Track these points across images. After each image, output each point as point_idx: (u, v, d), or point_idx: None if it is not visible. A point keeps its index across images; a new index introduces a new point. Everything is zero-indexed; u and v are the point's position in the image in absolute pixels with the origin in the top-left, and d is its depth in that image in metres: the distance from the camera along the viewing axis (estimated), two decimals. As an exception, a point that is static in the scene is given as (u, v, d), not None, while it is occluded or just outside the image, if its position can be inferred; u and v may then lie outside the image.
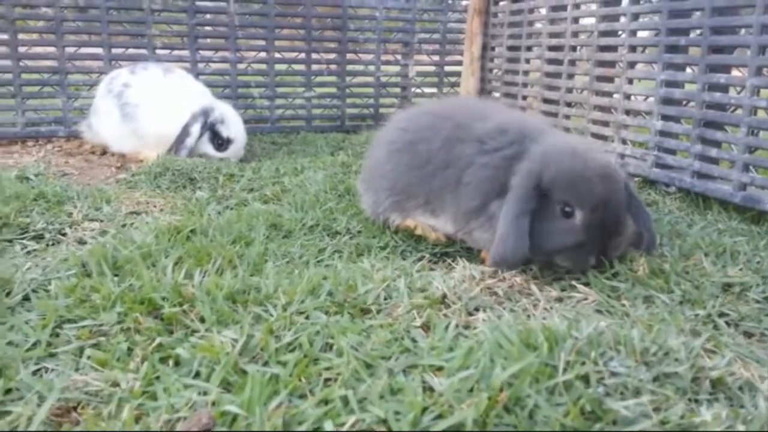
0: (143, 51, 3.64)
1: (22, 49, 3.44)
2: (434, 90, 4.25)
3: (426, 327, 1.16)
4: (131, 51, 3.64)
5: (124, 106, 3.11)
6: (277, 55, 3.92)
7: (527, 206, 1.47)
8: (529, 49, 3.50)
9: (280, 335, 1.04)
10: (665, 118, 2.51)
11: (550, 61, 3.28)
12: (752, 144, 2.11)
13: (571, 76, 3.12)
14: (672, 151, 2.51)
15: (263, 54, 3.90)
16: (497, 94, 3.85)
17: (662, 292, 1.37)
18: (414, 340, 1.07)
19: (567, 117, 3.14)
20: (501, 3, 3.80)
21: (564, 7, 3.16)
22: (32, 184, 2.48)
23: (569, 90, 3.13)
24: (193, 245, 1.53)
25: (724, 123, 2.25)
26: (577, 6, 3.07)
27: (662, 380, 0.96)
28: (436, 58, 4.23)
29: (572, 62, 3.12)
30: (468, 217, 1.64)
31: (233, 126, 3.14)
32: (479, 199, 1.60)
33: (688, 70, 2.46)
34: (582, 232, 1.47)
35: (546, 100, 3.31)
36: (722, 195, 2.21)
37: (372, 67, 4.10)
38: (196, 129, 3.04)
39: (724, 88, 2.26)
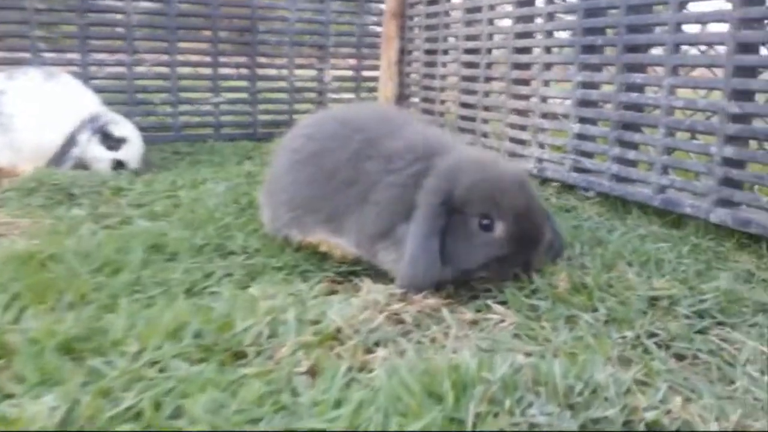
0: (26, 54, 3.26)
1: None
2: (352, 96, 4.07)
3: (314, 371, 0.95)
4: (12, 54, 3.26)
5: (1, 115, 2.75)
6: (180, 57, 3.63)
7: (436, 224, 1.35)
8: (446, 52, 3.38)
9: (118, 397, 0.81)
10: (582, 120, 2.43)
11: (467, 65, 3.17)
12: (670, 145, 2.04)
13: (488, 80, 3.02)
14: (590, 155, 2.43)
15: (165, 57, 3.60)
16: (416, 100, 3.71)
17: (586, 310, 1.23)
18: (295, 393, 0.86)
19: (485, 121, 3.03)
20: (417, 6, 3.67)
21: (479, 9, 3.06)
22: None
23: (486, 94, 3.02)
24: (40, 277, 1.26)
25: (642, 124, 2.18)
26: (492, 7, 2.97)
27: (590, 427, 0.79)
28: (352, 62, 4.06)
29: (489, 65, 3.02)
30: (373, 240, 1.48)
31: (126, 126, 2.88)
32: (386, 220, 1.44)
33: (606, 70, 2.39)
34: (504, 244, 1.35)
35: (464, 105, 3.19)
36: (641, 198, 2.13)
37: (285, 72, 3.87)
38: (83, 138, 2.73)
39: (640, 89, 2.19)
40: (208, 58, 3.68)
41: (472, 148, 1.54)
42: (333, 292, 1.45)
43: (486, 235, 1.35)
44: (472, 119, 3.11)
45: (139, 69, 3.55)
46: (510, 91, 2.82)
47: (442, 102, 3.43)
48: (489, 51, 2.99)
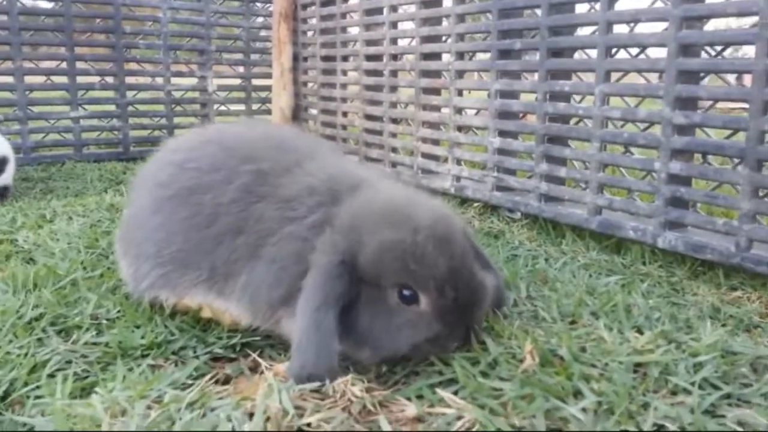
0: None
1: None
2: (242, 107, 3.63)
3: None
4: None
5: None
6: (27, 64, 3.02)
7: (332, 291, 1.01)
8: (345, 59, 3.04)
9: None
10: (503, 134, 2.17)
11: (370, 73, 2.84)
12: (606, 161, 1.82)
13: (394, 89, 2.71)
14: (513, 172, 2.18)
15: (8, 63, 2.98)
16: (314, 111, 3.34)
17: (567, 395, 0.92)
18: None
19: (393, 135, 2.72)
20: (310, 7, 3.30)
21: (380, 10, 2.75)
22: None
23: (393, 105, 2.71)
24: None
25: (572, 137, 1.95)
26: (394, 8, 2.67)
27: None
28: (240, 69, 3.61)
29: (394, 73, 2.71)
30: (273, 306, 1.11)
31: (3, 142, 2.48)
32: (287, 282, 1.07)
33: (526, 78, 2.16)
34: (434, 320, 1.02)
35: (369, 117, 2.86)
36: (576, 221, 1.90)
37: (160, 80, 3.36)
38: None
39: (568, 98, 1.97)
40: (62, 65, 3.10)
41: (384, 188, 1.20)
42: (221, 382, 1.05)
43: (409, 310, 1.02)
44: (379, 133, 2.79)
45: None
46: (419, 101, 2.53)
47: (344, 114, 3.09)
48: (393, 57, 2.69)
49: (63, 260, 1.65)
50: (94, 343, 1.18)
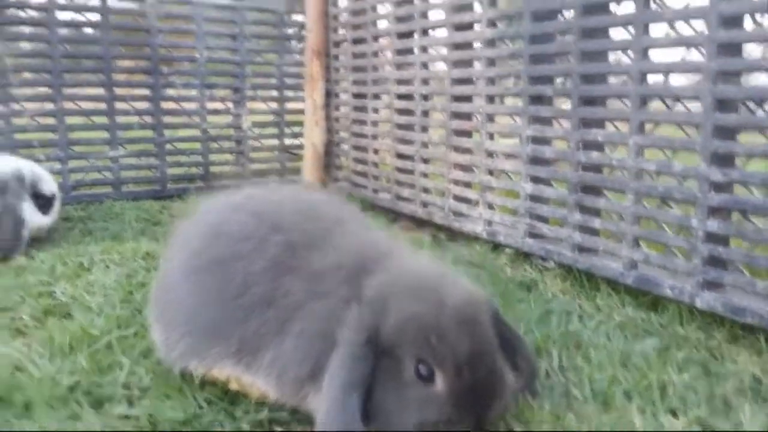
0: None
1: None
2: (275, 141, 3.67)
3: None
4: None
5: None
6: (69, 105, 3.13)
7: (358, 372, 1.01)
8: (376, 96, 3.06)
9: None
10: (535, 180, 2.14)
11: (401, 112, 2.85)
12: (641, 214, 1.78)
13: (425, 129, 2.71)
14: (546, 219, 2.14)
15: (50, 105, 3.09)
16: (346, 147, 3.36)
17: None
18: None
19: (425, 175, 2.72)
20: (342, 44, 3.34)
21: (411, 51, 2.76)
22: None
23: (425, 144, 2.71)
24: None
25: (606, 188, 1.91)
26: (424, 49, 2.67)
27: None
28: (274, 105, 3.67)
29: (426, 113, 2.71)
30: (301, 382, 1.11)
31: (49, 179, 2.54)
32: (313, 359, 1.08)
33: (559, 124, 2.13)
34: (448, 402, 1.00)
35: (400, 155, 2.87)
36: (611, 274, 1.86)
37: (196, 118, 3.43)
38: (27, 208, 2.38)
39: (601, 147, 1.93)
40: (103, 105, 3.20)
41: (413, 262, 1.19)
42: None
43: (423, 388, 1.01)
44: (410, 172, 2.79)
45: (19, 121, 3.04)
46: (450, 143, 2.52)
47: (376, 151, 3.10)
48: (424, 97, 2.69)
49: (99, 315, 1.69)
50: (126, 416, 1.20)
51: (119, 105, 3.23)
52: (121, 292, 1.88)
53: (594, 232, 1.95)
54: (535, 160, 2.13)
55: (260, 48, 3.60)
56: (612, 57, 1.92)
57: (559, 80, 2.10)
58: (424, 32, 2.67)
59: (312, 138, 3.49)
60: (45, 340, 1.52)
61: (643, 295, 1.80)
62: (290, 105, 3.69)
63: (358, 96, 3.22)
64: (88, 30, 3.24)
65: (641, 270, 1.79)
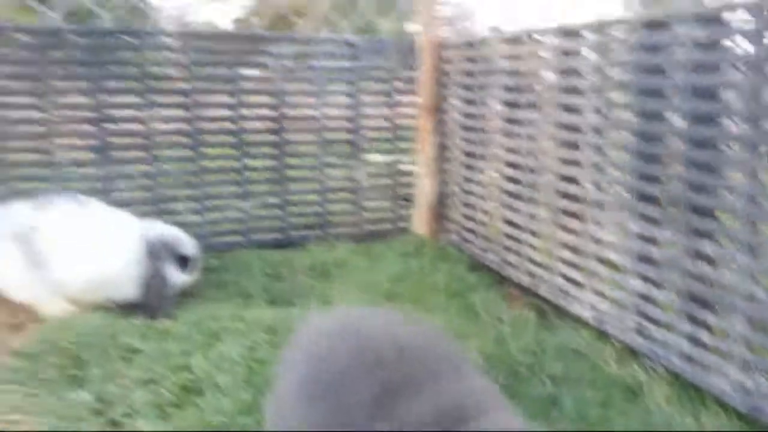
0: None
1: None
2: (388, 192, 3.82)
3: None
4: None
5: (32, 253, 2.59)
6: (205, 163, 3.48)
7: None
8: (485, 158, 3.10)
9: None
10: (644, 278, 2.09)
11: (509, 179, 2.87)
12: (751, 341, 1.69)
13: (533, 201, 2.72)
14: (655, 320, 2.09)
15: (189, 165, 3.46)
16: (456, 202, 3.44)
17: None
18: None
19: (532, 247, 2.73)
20: (452, 101, 3.41)
21: (518, 121, 2.77)
22: None
23: (532, 217, 2.71)
24: None
25: (716, 303, 1.84)
26: (531, 123, 2.67)
27: None
28: (387, 158, 3.82)
29: (533, 186, 2.71)
30: None
31: (189, 241, 2.82)
32: None
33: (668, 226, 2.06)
34: None
35: (508, 222, 2.89)
36: (719, 393, 1.79)
37: (315, 172, 3.67)
38: (171, 270, 2.70)
39: (711, 260, 1.85)
40: (235, 163, 3.52)
41: (508, 422, 1.25)
42: None
43: None
44: (517, 240, 2.81)
45: (164, 180, 3.43)
46: (558, 221, 2.51)
47: (485, 212, 3.14)
48: (531, 170, 2.69)
49: (226, 395, 1.93)
50: None
51: (249, 162, 3.54)
52: (245, 370, 2.11)
53: (703, 344, 1.88)
54: (643, 258, 2.09)
55: (374, 102, 3.75)
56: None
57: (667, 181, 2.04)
58: (532, 106, 2.67)
59: (423, 190, 3.61)
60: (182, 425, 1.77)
61: (753, 421, 1.72)
62: (403, 157, 3.82)
63: (468, 154, 3.28)
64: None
65: (754, 398, 1.71)
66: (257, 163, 3.59)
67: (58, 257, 2.59)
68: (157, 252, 2.68)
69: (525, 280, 2.75)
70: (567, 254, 2.48)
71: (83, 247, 2.63)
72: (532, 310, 2.65)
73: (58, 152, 3.19)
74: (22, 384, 2.07)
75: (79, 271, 2.61)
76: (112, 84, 3.29)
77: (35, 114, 3.15)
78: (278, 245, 3.60)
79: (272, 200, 3.64)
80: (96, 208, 2.78)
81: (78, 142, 3.29)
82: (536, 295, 2.71)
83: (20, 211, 2.68)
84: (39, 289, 2.63)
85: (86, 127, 3.23)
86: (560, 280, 2.52)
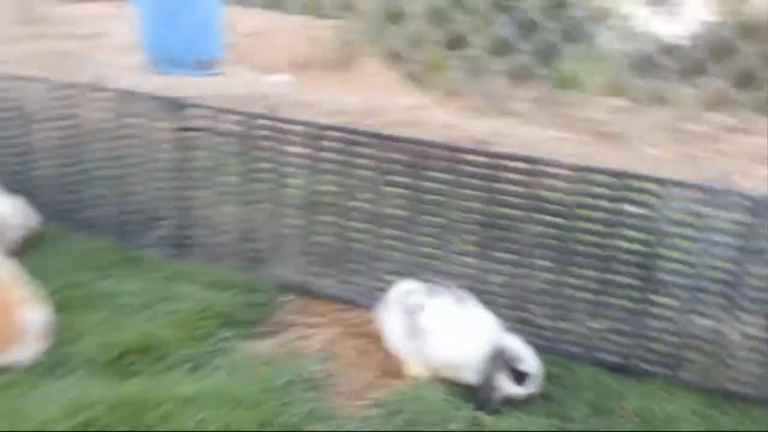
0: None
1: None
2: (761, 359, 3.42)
3: None
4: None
5: (414, 326, 3.39)
6: (570, 280, 3.78)
7: None
8: None
9: None
10: None
11: None
12: None
13: None
14: None
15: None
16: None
17: None
18: None
19: None
20: None
21: None
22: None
23: None
24: None
25: None
26: None
27: None
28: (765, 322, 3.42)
29: None
30: None
31: (529, 358, 3.21)
32: None
33: None
34: None
35: None
36: None
37: (676, 315, 3.58)
38: (499, 379, 3.14)
39: None
40: (591, 284, 3.72)
41: None
42: None
43: None
44: None
45: (531, 283, 3.86)
46: None
47: None
48: None
49: None
50: None
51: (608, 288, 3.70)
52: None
53: None
54: None
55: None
56: None
57: None
58: None
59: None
60: None
61: None
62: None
63: None
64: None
65: None
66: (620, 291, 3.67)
67: (431, 336, 3.33)
68: (496, 360, 3.14)
69: None
70: None
71: (449, 335, 3.31)
72: None
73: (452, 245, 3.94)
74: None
75: (441, 352, 3.31)
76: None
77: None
78: (616, 369, 3.62)
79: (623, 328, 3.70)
80: (470, 304, 3.42)
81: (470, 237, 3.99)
82: None
83: (416, 291, 3.53)
84: (411, 354, 3.44)
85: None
86: None
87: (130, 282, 4.03)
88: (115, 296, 3.83)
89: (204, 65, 8.01)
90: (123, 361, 3.22)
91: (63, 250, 4.40)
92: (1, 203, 4.48)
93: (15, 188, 4.70)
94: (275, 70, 9.72)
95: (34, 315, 3.25)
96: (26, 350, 3.19)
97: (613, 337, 3.68)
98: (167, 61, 7.80)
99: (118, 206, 4.69)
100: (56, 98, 4.65)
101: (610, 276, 3.64)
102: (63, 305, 3.56)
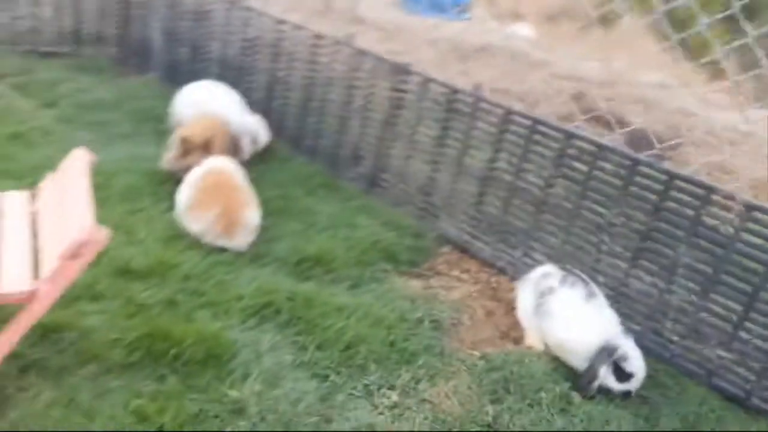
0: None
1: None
2: None
3: None
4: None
5: (540, 306, 3.75)
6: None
7: None
8: None
9: None
10: None
11: None
12: None
13: None
14: None
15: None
16: None
17: None
18: None
19: None
20: None
21: None
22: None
23: None
24: None
25: None
26: None
27: None
28: None
29: None
30: None
31: (636, 361, 3.43)
32: None
33: None
34: None
35: None
36: None
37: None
38: (602, 372, 3.34)
39: None
40: (727, 325, 3.67)
41: None
42: None
43: None
44: None
45: (671, 298, 3.93)
46: None
47: None
48: None
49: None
50: None
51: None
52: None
53: None
54: None
55: None
56: None
57: None
58: None
59: None
60: None
61: None
62: None
63: None
64: None
65: None
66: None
67: (552, 318, 3.69)
68: (603, 356, 3.38)
69: None
70: None
71: (567, 322, 3.63)
72: None
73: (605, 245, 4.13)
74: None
75: (557, 334, 3.66)
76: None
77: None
78: (732, 399, 3.59)
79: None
80: (597, 301, 3.68)
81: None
82: None
83: (552, 276, 3.87)
84: (533, 327, 3.84)
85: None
86: None
87: (327, 204, 4.97)
88: (313, 213, 4.79)
89: (462, 9, 8.50)
90: (302, 266, 4.12)
91: (283, 168, 5.49)
92: (253, 120, 5.69)
93: (256, 109, 5.88)
94: (519, 19, 9.62)
95: (252, 214, 4.30)
96: (242, 240, 4.09)
97: (740, 370, 3.64)
98: (429, 2, 8.42)
99: (334, 141, 5.65)
100: (308, 45, 5.67)
101: (753, 314, 3.58)
102: (272, 211, 4.58)
